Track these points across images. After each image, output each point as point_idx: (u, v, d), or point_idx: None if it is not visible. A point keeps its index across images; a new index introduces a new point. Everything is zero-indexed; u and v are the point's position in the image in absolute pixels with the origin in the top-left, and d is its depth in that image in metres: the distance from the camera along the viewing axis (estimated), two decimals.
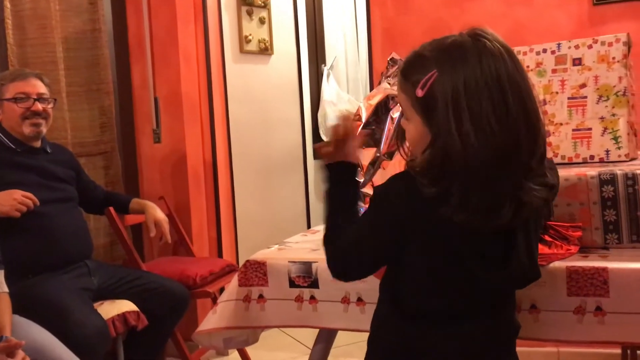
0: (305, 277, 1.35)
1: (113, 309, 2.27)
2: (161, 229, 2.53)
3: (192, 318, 2.96)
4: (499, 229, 0.99)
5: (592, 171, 1.33)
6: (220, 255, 3.22)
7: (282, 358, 3.03)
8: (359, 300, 1.31)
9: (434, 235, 1.02)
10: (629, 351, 2.35)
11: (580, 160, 1.62)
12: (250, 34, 3.51)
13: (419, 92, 0.99)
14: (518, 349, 1.12)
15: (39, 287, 2.15)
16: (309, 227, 3.85)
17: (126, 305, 2.30)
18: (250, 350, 3.02)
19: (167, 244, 2.67)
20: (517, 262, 1.02)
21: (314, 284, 1.35)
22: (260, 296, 1.40)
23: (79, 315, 2.06)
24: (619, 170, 1.31)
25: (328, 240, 1.14)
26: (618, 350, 2.47)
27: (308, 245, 1.51)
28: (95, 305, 2.25)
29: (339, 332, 1.49)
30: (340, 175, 1.17)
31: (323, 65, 4.18)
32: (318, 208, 4.06)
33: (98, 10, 2.97)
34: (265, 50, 3.60)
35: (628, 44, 1.62)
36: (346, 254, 1.11)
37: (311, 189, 4.00)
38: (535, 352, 2.39)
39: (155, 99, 3.11)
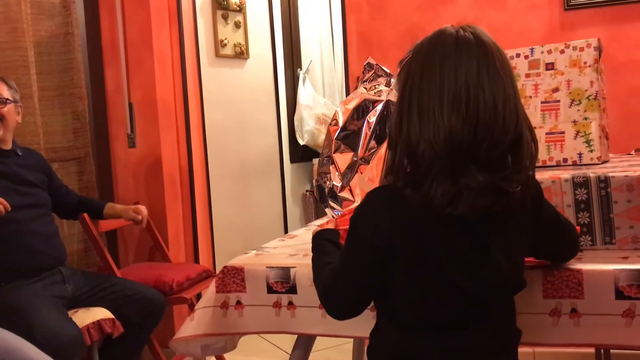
0: (283, 283, 1.35)
1: (88, 316, 2.23)
2: (142, 213, 2.58)
3: (168, 324, 2.93)
4: (471, 216, 0.98)
5: (565, 174, 1.35)
6: (196, 260, 3.19)
7: None
8: None
9: (415, 245, 1.02)
10: (602, 350, 2.39)
11: (553, 163, 1.65)
12: (225, 38, 3.50)
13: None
14: None
15: (11, 295, 2.11)
16: (286, 231, 3.84)
17: (101, 313, 2.27)
18: (228, 356, 2.99)
19: (142, 249, 2.64)
20: (495, 268, 1.01)
21: (292, 290, 1.34)
22: (238, 302, 1.39)
23: (54, 323, 2.02)
24: (591, 173, 1.33)
25: (315, 284, 1.16)
26: (592, 350, 2.51)
27: (286, 250, 1.50)
28: (70, 313, 2.22)
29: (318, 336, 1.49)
30: (322, 234, 1.26)
31: (299, 69, 4.18)
32: (295, 212, 4.05)
33: (71, 13, 2.93)
34: (241, 54, 3.59)
35: (599, 49, 1.65)
36: (333, 286, 1.11)
37: (288, 193, 3.99)
38: None
39: (130, 104, 3.08)
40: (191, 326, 1.37)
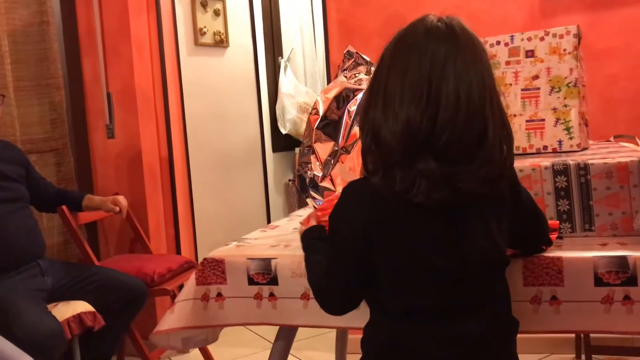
0: (264, 274, 1.34)
1: (68, 310, 2.21)
2: (121, 204, 2.56)
3: (150, 316, 2.91)
4: (436, 205, 0.98)
5: (545, 162, 1.35)
6: (178, 252, 3.17)
7: (244, 354, 3.01)
8: None
9: (392, 234, 1.02)
10: (582, 335, 2.42)
11: (534, 150, 1.65)
12: (205, 26, 3.46)
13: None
14: None
15: None
16: (269, 221, 3.82)
17: (82, 306, 2.25)
18: (211, 347, 2.99)
19: (123, 241, 2.60)
20: (471, 244, 1.01)
21: (273, 281, 1.33)
22: (219, 294, 1.37)
23: (33, 318, 2.00)
24: (571, 160, 1.33)
25: (310, 284, 1.17)
26: (572, 335, 2.55)
27: (267, 241, 1.49)
28: (50, 306, 2.19)
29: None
30: (309, 234, 1.25)
31: (280, 57, 4.15)
32: (277, 202, 4.04)
33: (46, 1, 2.87)
34: (221, 42, 3.55)
35: (578, 36, 1.65)
36: (324, 284, 1.12)
37: (270, 183, 3.98)
38: None
39: (108, 94, 3.03)
40: (171, 319, 1.36)
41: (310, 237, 1.25)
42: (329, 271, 1.10)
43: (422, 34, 0.99)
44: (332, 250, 1.10)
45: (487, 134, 0.98)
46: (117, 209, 2.55)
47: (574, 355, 2.64)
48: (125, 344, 2.77)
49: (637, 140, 2.40)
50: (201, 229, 3.36)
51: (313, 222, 1.28)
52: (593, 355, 2.42)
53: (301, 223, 1.32)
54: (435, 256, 1.02)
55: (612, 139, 2.38)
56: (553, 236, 1.24)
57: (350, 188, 1.08)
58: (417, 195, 0.97)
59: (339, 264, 1.09)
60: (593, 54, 2.65)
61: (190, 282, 1.38)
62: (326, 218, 1.17)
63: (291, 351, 3.11)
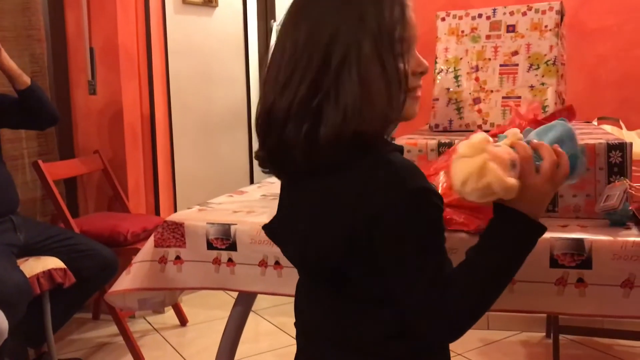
0: (223, 240, 1.32)
1: (38, 265, 2.20)
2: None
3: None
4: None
5: None
6: (157, 213, 3.16)
7: (220, 316, 3.02)
8: (277, 264, 1.29)
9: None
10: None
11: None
12: None
13: None
14: None
15: None
16: None
17: (52, 262, 2.24)
18: (187, 308, 3.01)
19: (102, 199, 2.52)
20: (296, 235, 0.98)
21: (232, 247, 1.32)
22: (177, 257, 1.36)
23: (0, 272, 1.98)
24: None
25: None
26: (544, 315, 2.56)
27: (231, 206, 1.47)
28: (20, 261, 2.18)
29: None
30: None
31: (272, 20, 4.08)
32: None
33: None
34: (210, 2, 3.48)
35: (561, 13, 1.61)
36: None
37: (255, 148, 3.94)
38: None
39: (91, 49, 2.97)
40: (127, 280, 1.35)
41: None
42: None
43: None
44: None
45: (308, 106, 0.88)
46: None
47: (544, 334, 2.66)
48: (101, 302, 2.78)
49: (621, 123, 2.38)
50: (182, 190, 3.34)
51: None
52: (561, 335, 2.44)
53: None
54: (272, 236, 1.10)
55: (596, 120, 2.36)
56: None
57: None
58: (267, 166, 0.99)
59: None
60: (584, 33, 2.61)
61: (149, 244, 1.37)
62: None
63: (265, 317, 3.13)
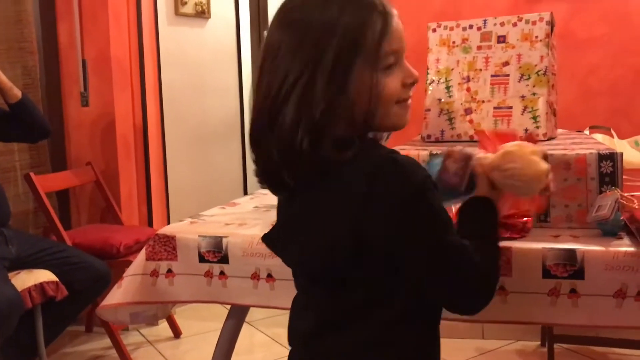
0: (215, 252, 1.32)
1: (30, 278, 2.18)
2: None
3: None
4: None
5: None
6: (150, 224, 3.15)
7: (214, 328, 3.00)
8: (269, 276, 1.28)
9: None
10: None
11: None
12: None
13: None
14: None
15: None
16: None
17: (44, 275, 2.22)
18: (181, 320, 2.99)
19: (95, 210, 2.49)
20: (297, 244, 0.98)
21: (224, 259, 1.31)
22: (169, 271, 1.35)
23: None
24: None
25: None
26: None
27: (223, 219, 1.47)
28: (12, 274, 2.17)
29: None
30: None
31: (265, 31, 4.08)
32: (255, 178, 4.00)
33: None
34: (202, 13, 3.48)
35: (551, 23, 1.62)
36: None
37: (249, 159, 3.93)
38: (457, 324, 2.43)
39: (84, 61, 2.97)
40: (118, 294, 1.34)
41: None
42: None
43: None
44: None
45: (278, 120, 0.90)
46: None
47: (539, 343, 2.66)
48: (94, 315, 2.76)
49: (612, 132, 2.39)
50: (175, 202, 3.33)
51: None
52: (556, 344, 2.43)
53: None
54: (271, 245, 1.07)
55: (587, 129, 2.37)
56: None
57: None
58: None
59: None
60: (575, 43, 2.62)
61: (140, 257, 1.36)
62: None
63: (260, 328, 3.11)
